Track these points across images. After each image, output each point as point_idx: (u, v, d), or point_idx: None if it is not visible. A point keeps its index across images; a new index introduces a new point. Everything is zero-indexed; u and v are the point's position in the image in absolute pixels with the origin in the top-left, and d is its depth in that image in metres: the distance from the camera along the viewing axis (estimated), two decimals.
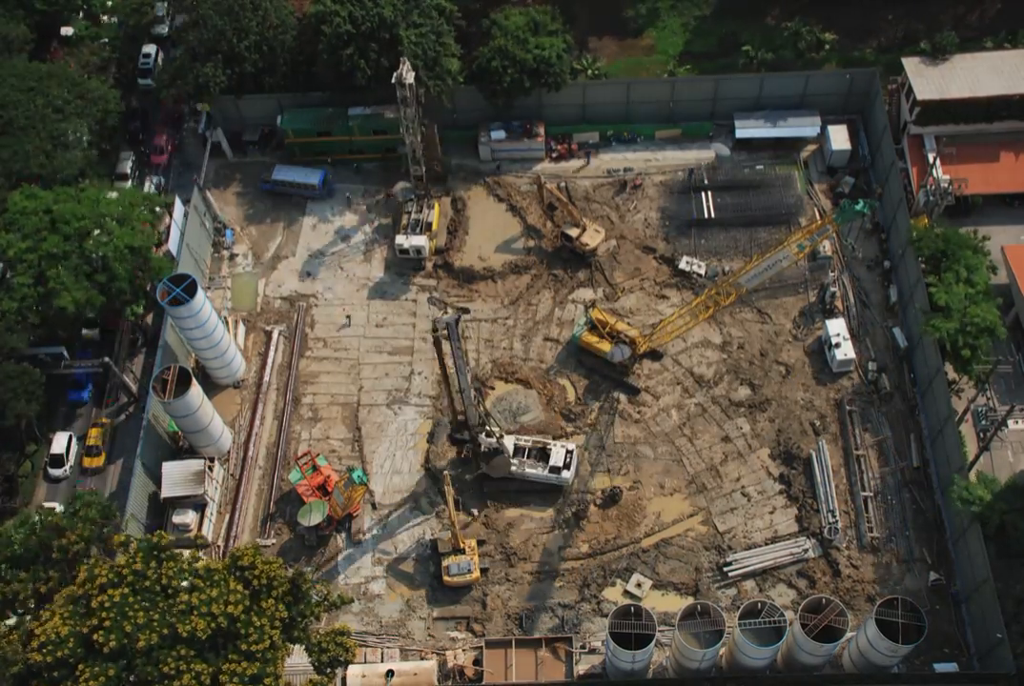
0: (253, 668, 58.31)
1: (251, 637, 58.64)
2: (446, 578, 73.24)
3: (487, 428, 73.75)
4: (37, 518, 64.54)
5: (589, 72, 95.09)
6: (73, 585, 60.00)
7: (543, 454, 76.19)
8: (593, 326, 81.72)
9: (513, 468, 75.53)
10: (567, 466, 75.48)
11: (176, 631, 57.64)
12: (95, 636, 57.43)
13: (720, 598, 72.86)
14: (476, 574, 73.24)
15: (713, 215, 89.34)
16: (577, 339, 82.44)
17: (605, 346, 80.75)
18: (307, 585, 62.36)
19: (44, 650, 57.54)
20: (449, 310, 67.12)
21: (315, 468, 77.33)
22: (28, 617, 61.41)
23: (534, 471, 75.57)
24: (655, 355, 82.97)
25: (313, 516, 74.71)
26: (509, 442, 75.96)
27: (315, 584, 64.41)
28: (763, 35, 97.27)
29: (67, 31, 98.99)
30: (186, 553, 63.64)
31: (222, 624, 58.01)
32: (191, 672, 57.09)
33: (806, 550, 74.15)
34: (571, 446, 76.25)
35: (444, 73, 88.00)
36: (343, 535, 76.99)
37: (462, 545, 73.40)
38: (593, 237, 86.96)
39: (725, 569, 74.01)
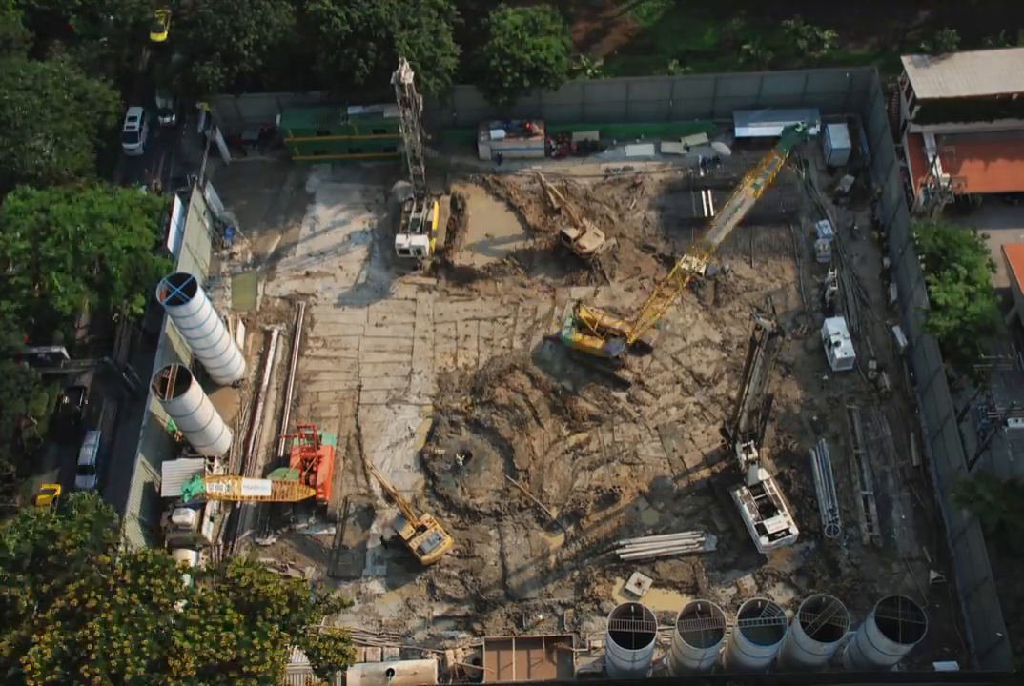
0: (253, 682, 58.04)
1: (252, 659, 57.76)
2: (424, 558, 73.68)
3: (748, 445, 73.33)
4: (31, 521, 63.56)
5: (588, 71, 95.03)
6: (62, 600, 58.70)
7: (769, 510, 73.61)
8: (581, 326, 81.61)
9: (738, 494, 74.56)
10: (772, 538, 73.01)
11: (167, 651, 56.98)
12: (82, 670, 56.12)
13: (720, 597, 72.89)
14: (448, 540, 74.18)
15: (713, 214, 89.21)
16: (568, 341, 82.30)
17: (597, 343, 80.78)
18: (306, 595, 61.61)
19: (35, 676, 56.13)
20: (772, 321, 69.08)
21: (312, 440, 77.53)
22: (23, 625, 60.69)
23: (749, 514, 73.57)
24: (644, 348, 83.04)
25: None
26: (761, 474, 74.59)
27: (314, 586, 64.00)
28: (763, 34, 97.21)
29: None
30: (180, 558, 62.86)
31: (212, 663, 57.23)
32: None
33: (701, 543, 74.71)
34: (795, 530, 73.36)
35: (443, 72, 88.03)
36: (335, 532, 77.05)
37: (420, 522, 73.98)
38: (592, 241, 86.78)
39: (617, 552, 74.59)
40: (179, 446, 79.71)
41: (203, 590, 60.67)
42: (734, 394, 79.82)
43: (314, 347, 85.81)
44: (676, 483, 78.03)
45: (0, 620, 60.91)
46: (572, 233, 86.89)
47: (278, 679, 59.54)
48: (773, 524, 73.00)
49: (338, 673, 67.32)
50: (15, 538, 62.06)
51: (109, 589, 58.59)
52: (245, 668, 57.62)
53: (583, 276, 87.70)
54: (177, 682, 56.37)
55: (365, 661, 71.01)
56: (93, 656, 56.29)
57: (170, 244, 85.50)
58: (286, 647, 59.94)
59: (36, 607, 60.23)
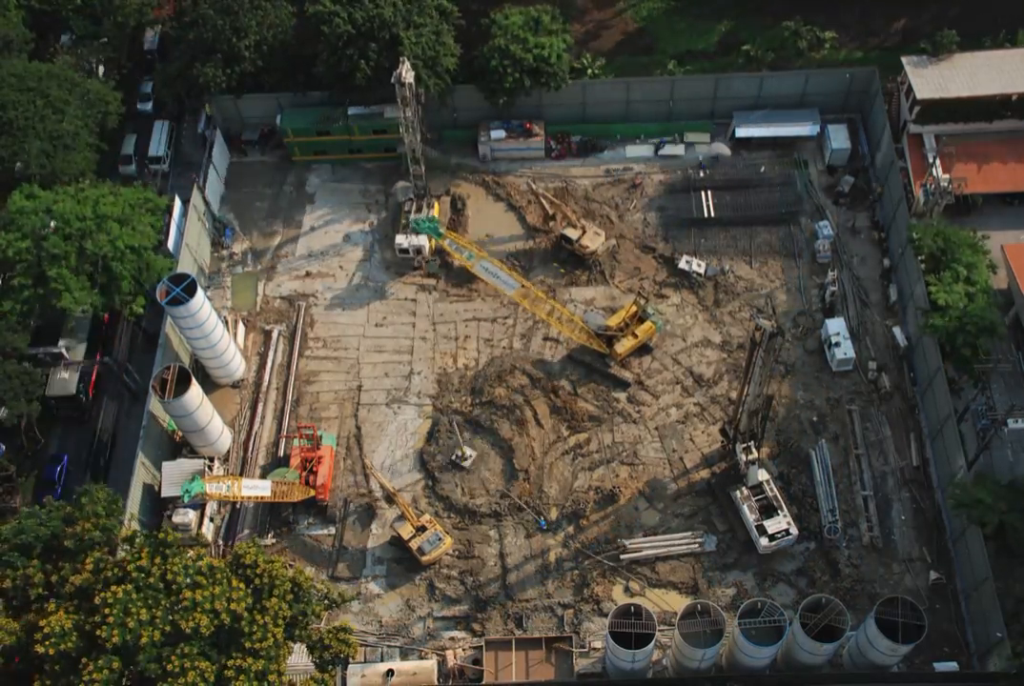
0: (259, 664, 58.44)
1: (255, 635, 58.67)
2: (424, 558, 73.70)
3: (748, 445, 73.28)
4: (46, 509, 64.51)
5: (589, 71, 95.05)
6: (79, 578, 59.82)
7: (769, 511, 73.40)
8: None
9: (738, 494, 74.45)
10: (772, 539, 72.64)
11: (179, 628, 57.69)
12: (98, 632, 57.33)
13: (720, 597, 72.88)
14: (448, 540, 74.18)
15: (713, 214, 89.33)
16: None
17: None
18: (308, 584, 62.41)
19: (47, 643, 57.45)
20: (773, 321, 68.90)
21: (312, 441, 77.53)
22: (34, 607, 61.36)
23: (749, 514, 73.37)
24: (644, 348, 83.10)
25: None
26: (761, 475, 74.44)
27: (315, 583, 64.44)
28: (763, 34, 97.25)
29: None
30: (190, 551, 63.57)
31: (225, 621, 58.07)
32: (196, 670, 57.14)
33: (701, 543, 74.69)
34: (795, 530, 73.06)
35: (444, 72, 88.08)
36: (334, 532, 77.08)
37: (419, 523, 73.96)
38: (593, 240, 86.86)
39: (617, 552, 74.57)
40: (179, 446, 79.78)
41: (212, 562, 61.42)
42: (734, 395, 79.82)
43: (314, 347, 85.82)
44: (676, 483, 78.02)
45: (13, 605, 61.44)
46: (572, 234, 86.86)
47: (280, 660, 59.90)
48: (773, 524, 72.96)
49: (338, 669, 67.32)
50: (31, 523, 62.95)
51: (125, 564, 59.61)
52: (248, 644, 58.17)
53: (583, 276, 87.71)
54: (183, 660, 56.84)
55: (365, 661, 71.11)
56: (111, 619, 57.06)
57: (170, 244, 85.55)
58: (286, 620, 60.41)
59: (48, 594, 60.87)
